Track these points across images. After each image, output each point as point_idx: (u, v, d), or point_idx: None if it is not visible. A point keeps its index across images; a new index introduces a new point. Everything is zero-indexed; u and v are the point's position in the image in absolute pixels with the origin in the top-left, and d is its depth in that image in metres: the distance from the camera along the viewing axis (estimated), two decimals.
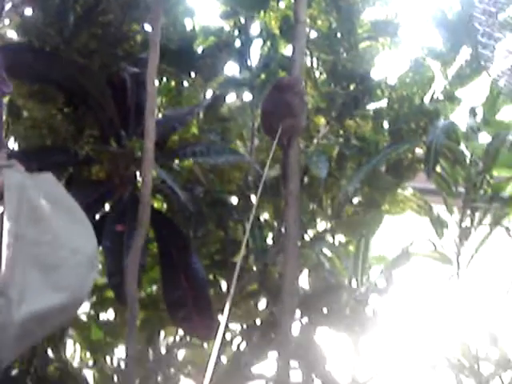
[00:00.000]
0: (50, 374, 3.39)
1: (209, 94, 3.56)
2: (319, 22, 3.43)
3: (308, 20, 3.39)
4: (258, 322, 3.45)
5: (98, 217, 2.93)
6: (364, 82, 3.35)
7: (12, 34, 3.19)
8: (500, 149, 3.13)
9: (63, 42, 2.93)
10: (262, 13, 3.50)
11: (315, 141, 3.37)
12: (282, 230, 3.05)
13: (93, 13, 2.99)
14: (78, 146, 2.96)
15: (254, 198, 3.31)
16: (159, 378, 3.43)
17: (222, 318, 1.39)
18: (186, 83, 3.54)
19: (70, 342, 3.68)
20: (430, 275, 3.65)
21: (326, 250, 3.49)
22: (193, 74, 3.46)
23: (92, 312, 3.54)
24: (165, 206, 3.37)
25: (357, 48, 3.39)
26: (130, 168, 2.94)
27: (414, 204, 3.50)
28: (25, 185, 1.40)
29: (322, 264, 3.42)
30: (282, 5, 3.57)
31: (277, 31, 3.51)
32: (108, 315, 3.61)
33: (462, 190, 3.35)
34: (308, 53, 3.44)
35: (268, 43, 3.55)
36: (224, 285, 3.41)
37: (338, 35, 3.38)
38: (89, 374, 3.66)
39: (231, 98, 3.61)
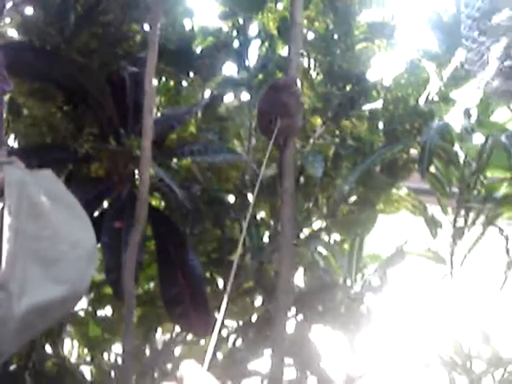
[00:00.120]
0: (48, 370, 3.41)
1: (207, 93, 3.59)
2: (316, 24, 3.46)
3: (305, 21, 3.42)
4: (254, 318, 3.48)
5: (96, 213, 2.95)
6: (360, 83, 3.38)
7: (12, 33, 3.21)
8: (493, 150, 3.16)
9: (64, 41, 2.94)
10: (260, 14, 3.53)
11: (311, 141, 3.40)
12: (278, 228, 3.07)
13: (93, 12, 3.00)
14: (77, 144, 2.98)
15: (250, 197, 3.34)
16: (156, 374, 3.45)
17: (219, 315, 1.42)
18: (184, 83, 3.56)
19: (67, 338, 3.71)
20: (423, 274, 3.68)
21: (321, 249, 3.52)
22: (191, 74, 3.48)
23: (90, 308, 3.55)
24: (163, 203, 3.38)
25: (353, 49, 3.42)
26: (129, 166, 2.95)
27: (408, 204, 3.54)
28: (25, 181, 1.43)
29: (317, 262, 3.44)
30: (279, 6, 3.60)
31: (275, 32, 3.54)
32: (106, 312, 3.63)
33: (455, 190, 3.38)
34: (305, 54, 3.48)
35: (266, 44, 3.58)
36: (221, 282, 3.43)
37: (335, 37, 3.41)
38: (86, 369, 3.68)
39: (229, 97, 3.64)
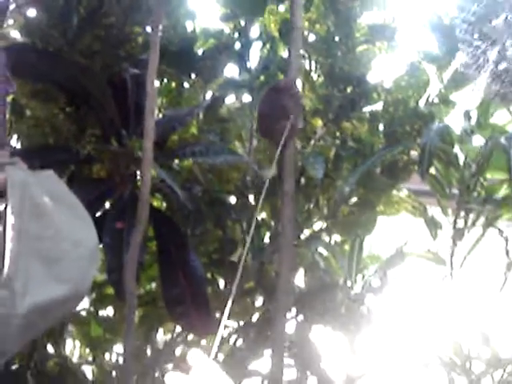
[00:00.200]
0: (50, 370, 3.43)
1: (208, 95, 3.60)
2: (317, 26, 3.47)
3: (307, 24, 3.44)
4: (255, 319, 3.49)
5: (98, 214, 2.96)
6: (361, 85, 3.39)
7: (15, 34, 3.22)
8: (493, 151, 3.17)
9: (66, 43, 2.96)
10: (261, 16, 3.54)
11: (312, 142, 3.41)
12: (279, 229, 3.08)
13: (96, 15, 3.02)
14: (79, 145, 3.00)
15: (251, 198, 3.36)
16: (157, 374, 3.46)
17: (223, 316, 1.43)
18: (186, 84, 3.57)
19: (69, 338, 3.72)
20: (423, 275, 3.69)
21: (321, 250, 3.54)
22: (193, 76, 3.49)
23: (91, 309, 3.56)
24: (164, 204, 3.40)
25: (354, 51, 3.43)
26: (131, 167, 2.96)
27: (408, 205, 3.55)
28: (27, 182, 1.44)
29: (318, 263, 3.46)
30: (281, 8, 3.61)
31: (276, 34, 3.55)
32: (107, 312, 3.64)
33: (455, 191, 3.39)
34: (306, 56, 3.49)
35: (267, 46, 3.59)
36: (221, 283, 3.45)
37: (336, 39, 3.43)
38: (88, 369, 3.70)
39: (230, 99, 3.65)
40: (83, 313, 3.55)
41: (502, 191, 3.39)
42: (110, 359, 3.72)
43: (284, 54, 3.58)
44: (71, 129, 3.08)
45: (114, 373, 3.64)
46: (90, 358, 3.76)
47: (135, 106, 3.04)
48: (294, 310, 3.37)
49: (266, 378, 3.30)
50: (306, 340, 3.43)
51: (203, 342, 3.50)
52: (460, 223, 3.38)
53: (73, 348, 3.82)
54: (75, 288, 1.44)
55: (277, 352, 2.64)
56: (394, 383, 3.60)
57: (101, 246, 2.66)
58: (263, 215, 3.50)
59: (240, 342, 3.48)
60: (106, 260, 2.73)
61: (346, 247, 3.64)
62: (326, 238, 3.57)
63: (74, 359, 3.76)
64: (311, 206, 3.42)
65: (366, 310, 3.47)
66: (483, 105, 3.27)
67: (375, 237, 3.66)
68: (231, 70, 3.60)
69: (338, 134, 3.45)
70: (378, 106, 3.45)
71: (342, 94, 3.40)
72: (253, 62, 3.56)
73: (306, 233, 3.49)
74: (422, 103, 3.43)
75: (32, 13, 3.14)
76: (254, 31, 3.60)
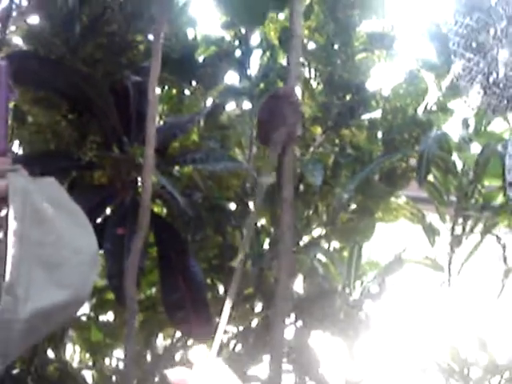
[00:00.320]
0: (50, 374, 3.44)
1: (209, 102, 3.62)
2: (317, 34, 3.50)
3: (306, 32, 3.47)
4: (254, 324, 3.51)
5: (99, 220, 2.97)
6: (359, 93, 3.41)
7: (17, 41, 3.24)
8: (490, 159, 3.19)
9: (69, 51, 2.97)
10: None
11: (311, 149, 3.43)
12: (278, 235, 3.09)
13: (98, 23, 3.03)
14: (81, 152, 3.02)
15: (251, 205, 3.37)
16: (157, 379, 3.47)
17: (221, 321, 1.45)
18: (187, 91, 3.59)
19: (69, 343, 3.73)
20: (421, 282, 3.71)
21: (320, 256, 3.55)
22: (194, 83, 3.50)
23: (92, 314, 3.57)
24: (164, 210, 3.41)
25: (353, 59, 3.45)
26: (132, 173, 2.97)
27: (407, 212, 3.57)
28: (28, 189, 1.45)
29: (317, 269, 3.47)
30: (281, 16, 3.64)
31: (276, 42, 3.58)
32: (108, 317, 3.66)
33: (453, 198, 3.41)
34: (306, 64, 3.52)
35: (267, 53, 3.61)
36: (221, 289, 3.46)
37: (335, 47, 3.45)
38: (88, 374, 3.71)
39: (231, 106, 3.68)
40: (83, 318, 3.56)
41: (500, 198, 3.40)
42: (110, 364, 3.74)
43: (284, 61, 3.60)
44: (73, 135, 3.10)
45: (113, 378, 3.66)
46: (90, 363, 3.77)
47: (137, 113, 3.05)
48: (292, 315, 3.39)
49: (265, 383, 3.31)
50: (304, 346, 3.44)
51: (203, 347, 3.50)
52: (458, 230, 3.41)
53: (73, 353, 3.83)
54: (76, 293, 1.46)
55: (275, 357, 2.64)
56: None
57: (101, 251, 2.69)
58: (263, 222, 3.52)
59: (239, 347, 3.49)
60: (107, 266, 2.74)
61: (345, 254, 3.66)
62: (325, 245, 3.59)
63: (74, 364, 3.77)
64: (310, 212, 3.44)
65: (365, 315, 3.49)
66: (480, 113, 3.29)
67: (374, 243, 3.68)
68: (231, 78, 3.64)
69: (336, 141, 3.47)
70: (376, 114, 3.48)
71: (341, 102, 3.42)
72: (253, 69, 3.58)
73: (305, 239, 3.50)
74: (420, 111, 3.45)
75: (34, 20, 3.16)
76: (255, 39, 3.63)
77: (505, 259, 3.37)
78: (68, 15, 2.98)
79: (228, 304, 1.73)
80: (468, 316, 3.72)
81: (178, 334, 3.50)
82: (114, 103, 2.97)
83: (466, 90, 2.40)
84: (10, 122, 1.55)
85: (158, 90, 2.78)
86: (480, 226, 3.42)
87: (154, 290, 3.52)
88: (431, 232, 3.51)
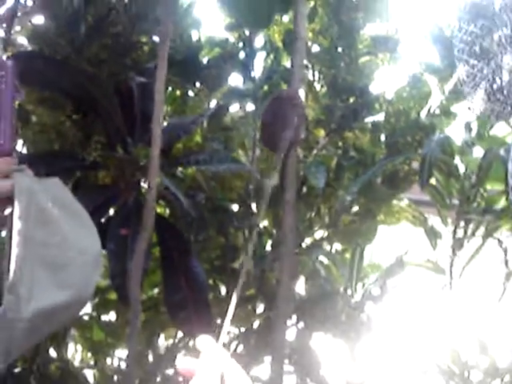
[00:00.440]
0: (52, 373, 3.45)
1: (213, 103, 3.62)
2: (321, 37, 3.50)
3: (310, 34, 3.48)
4: (256, 325, 3.51)
5: (103, 220, 2.98)
6: (363, 96, 3.42)
7: (22, 40, 3.24)
8: (493, 163, 3.20)
9: (74, 51, 2.98)
10: None
11: (314, 152, 3.44)
12: (281, 237, 3.10)
13: (103, 24, 3.04)
14: (85, 152, 3.03)
15: (254, 206, 3.38)
16: (158, 379, 3.48)
17: (224, 322, 1.46)
18: (190, 93, 3.59)
19: (71, 342, 3.74)
20: (423, 284, 3.72)
21: (322, 258, 3.56)
22: (198, 84, 3.51)
23: (94, 313, 3.58)
24: (167, 211, 3.42)
25: (357, 62, 3.46)
26: (136, 174, 2.99)
27: (409, 215, 3.58)
28: (34, 189, 1.46)
29: (319, 271, 3.48)
30: (285, 19, 3.65)
31: (280, 44, 3.58)
32: (110, 317, 3.67)
33: (455, 202, 3.42)
34: (310, 66, 3.52)
35: (271, 56, 3.62)
36: (223, 289, 3.47)
37: (339, 50, 3.46)
38: (89, 373, 3.72)
39: (234, 108, 3.68)
40: (86, 317, 3.57)
41: (502, 202, 3.41)
42: (112, 363, 3.74)
43: (287, 63, 3.60)
44: (77, 135, 3.11)
45: (115, 377, 3.67)
46: (92, 362, 3.78)
47: (141, 114, 3.05)
48: (294, 317, 3.40)
49: None
50: (306, 347, 3.45)
51: None
52: (460, 233, 3.41)
53: (75, 352, 3.84)
54: (79, 294, 1.46)
55: (277, 359, 2.65)
56: None
57: (104, 251, 2.69)
58: (265, 223, 3.52)
59: (241, 348, 3.50)
60: (110, 266, 2.74)
61: (347, 256, 3.66)
62: (327, 247, 3.60)
63: (76, 363, 3.78)
64: (312, 214, 3.45)
65: (366, 317, 3.49)
66: (483, 117, 3.29)
67: (376, 246, 3.68)
68: (235, 79, 3.64)
69: (340, 143, 3.48)
70: (379, 117, 3.48)
71: (345, 105, 3.43)
72: (257, 71, 3.59)
73: (308, 241, 3.51)
74: (423, 114, 3.46)
75: (39, 20, 3.17)
76: (259, 41, 3.63)
77: (506, 263, 3.38)
78: (73, 15, 2.99)
79: (233, 304, 1.74)
80: (469, 319, 3.73)
81: (180, 334, 3.50)
82: (118, 104, 2.97)
83: (469, 95, 2.40)
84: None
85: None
86: (482, 230, 3.43)
87: (155, 290, 3.53)
88: (433, 235, 3.52)
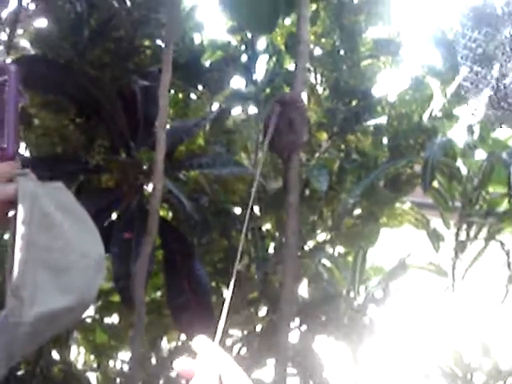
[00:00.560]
0: (55, 376, 3.45)
1: (215, 106, 3.63)
2: (323, 40, 3.51)
3: (312, 37, 3.48)
4: (259, 328, 3.52)
5: (106, 224, 2.98)
6: (365, 99, 3.42)
7: (25, 44, 3.25)
8: (495, 166, 3.20)
9: (77, 55, 2.99)
10: None
11: (317, 155, 3.44)
12: (283, 240, 3.09)
13: (106, 27, 3.05)
14: (88, 156, 3.04)
15: (256, 209, 3.38)
16: (161, 382, 3.48)
17: (219, 324, 1.46)
18: (193, 96, 3.60)
19: (74, 345, 3.75)
20: (425, 287, 3.72)
21: (325, 261, 3.56)
22: (200, 87, 3.52)
23: (97, 316, 3.59)
24: (170, 214, 3.42)
25: (359, 65, 3.47)
26: (139, 178, 3.00)
27: (411, 217, 3.58)
28: (37, 193, 1.46)
29: (321, 274, 3.49)
30: (287, 21, 3.65)
31: (282, 47, 3.59)
32: (113, 319, 3.67)
33: (458, 204, 3.42)
34: (312, 69, 3.53)
35: (273, 59, 3.62)
36: (226, 292, 3.47)
37: (341, 53, 3.46)
38: (92, 376, 3.72)
39: (237, 111, 3.68)
40: (89, 320, 3.58)
41: (504, 205, 3.42)
42: (115, 366, 3.75)
43: (290, 66, 3.61)
44: (80, 139, 3.11)
45: (118, 380, 3.67)
46: (95, 365, 3.78)
47: (144, 117, 3.06)
48: (297, 319, 3.40)
49: None
50: (309, 350, 3.45)
51: None
52: (462, 236, 3.42)
53: (78, 354, 3.85)
54: (81, 297, 1.46)
55: (280, 361, 2.65)
56: None
57: (107, 254, 2.70)
58: (268, 226, 3.53)
59: (244, 350, 3.50)
60: (113, 268, 2.75)
61: (350, 259, 3.66)
62: (330, 250, 3.60)
63: (79, 366, 3.78)
64: (315, 217, 3.45)
65: (369, 320, 3.50)
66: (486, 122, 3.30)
67: (378, 248, 3.68)
68: (238, 82, 3.65)
69: (342, 147, 3.48)
70: (382, 120, 3.49)
71: (347, 108, 3.43)
72: (259, 74, 3.59)
73: (310, 244, 3.51)
74: (425, 117, 3.46)
75: (42, 23, 3.18)
76: (261, 44, 3.64)
77: (509, 265, 3.38)
78: (76, 19, 2.99)
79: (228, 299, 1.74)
80: (472, 321, 3.73)
81: (183, 336, 3.50)
82: (121, 107, 2.98)
83: (473, 102, 2.41)
84: None
85: None
86: (484, 232, 3.43)
87: (158, 293, 3.53)
88: (435, 238, 3.52)
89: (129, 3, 3.09)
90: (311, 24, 3.38)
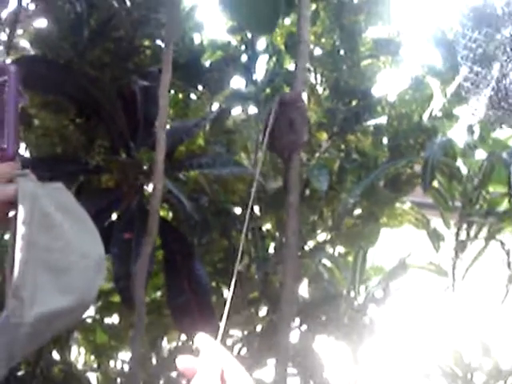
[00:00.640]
0: (55, 376, 3.45)
1: (215, 106, 3.63)
2: (323, 40, 3.51)
3: (312, 37, 3.48)
4: (259, 328, 3.52)
5: (106, 224, 2.98)
6: (365, 99, 3.42)
7: (25, 44, 3.25)
8: (495, 165, 3.20)
9: (76, 55, 2.99)
10: None
11: (317, 155, 3.44)
12: (284, 240, 3.10)
13: (106, 27, 3.05)
14: (88, 156, 3.04)
15: (256, 209, 3.38)
16: (162, 382, 3.49)
17: (221, 324, 1.46)
18: (193, 96, 3.60)
19: (75, 345, 3.75)
20: (426, 287, 3.72)
21: (325, 261, 3.56)
22: (200, 87, 3.52)
23: (97, 316, 3.59)
24: (170, 214, 3.42)
25: (359, 65, 3.47)
26: (139, 178, 3.00)
27: (411, 217, 3.58)
28: (37, 194, 1.46)
29: (322, 274, 3.49)
30: (287, 21, 3.65)
31: (282, 47, 3.59)
32: (113, 319, 3.67)
33: (458, 204, 3.42)
34: (312, 69, 3.53)
35: (273, 58, 3.62)
36: (226, 292, 3.47)
37: (341, 53, 3.46)
38: (93, 376, 3.72)
39: (237, 111, 3.68)
40: (89, 320, 3.58)
41: (504, 204, 3.42)
42: (115, 366, 3.75)
43: (290, 66, 3.61)
44: (80, 139, 3.11)
45: (118, 380, 3.67)
46: (95, 365, 3.78)
47: (144, 118, 3.06)
48: (297, 319, 3.40)
49: None
50: (309, 350, 3.45)
51: None
52: (462, 235, 3.42)
53: (78, 355, 3.85)
54: (81, 298, 1.46)
55: (281, 361, 2.65)
56: None
57: (107, 255, 2.70)
58: (268, 226, 3.53)
59: (244, 351, 3.50)
60: (113, 269, 2.76)
61: (350, 258, 3.67)
62: (330, 250, 3.60)
63: (79, 366, 3.78)
64: (315, 217, 3.45)
65: (369, 320, 3.50)
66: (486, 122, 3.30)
67: (378, 248, 3.68)
68: (238, 82, 3.64)
69: (342, 146, 3.48)
70: (382, 120, 3.49)
71: (347, 108, 3.43)
72: (259, 74, 3.59)
73: (310, 244, 3.52)
74: (425, 117, 3.46)
75: (42, 23, 3.18)
76: (261, 44, 3.63)
77: (509, 264, 3.38)
78: (76, 19, 2.99)
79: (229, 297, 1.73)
80: (472, 321, 3.73)
81: (184, 336, 3.50)
82: (121, 107, 2.98)
83: (473, 102, 2.41)
84: None
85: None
86: (484, 232, 3.43)
87: (158, 293, 3.53)
88: (436, 237, 3.52)
89: (128, 3, 3.09)
90: (311, 24, 3.37)
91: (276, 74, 3.56)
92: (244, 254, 3.34)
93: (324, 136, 3.48)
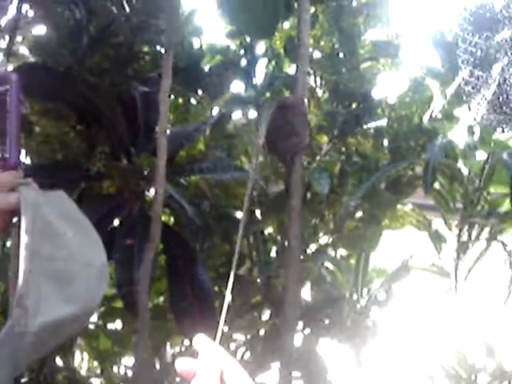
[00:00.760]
0: (59, 383, 3.45)
1: (215, 111, 3.63)
2: (322, 43, 3.51)
3: (311, 41, 3.48)
4: (262, 332, 3.52)
5: (108, 230, 2.98)
6: (365, 101, 3.42)
7: (24, 51, 3.25)
8: (496, 166, 3.20)
9: (76, 61, 2.99)
10: None
11: (318, 158, 3.44)
12: (285, 243, 3.10)
13: (105, 34, 3.05)
14: (89, 163, 3.04)
15: (258, 213, 3.38)
16: None
17: (219, 327, 1.46)
18: (193, 100, 3.60)
19: (78, 351, 3.74)
20: (428, 288, 3.72)
21: (327, 264, 3.56)
22: (200, 92, 3.52)
23: (100, 322, 3.59)
24: (172, 219, 3.42)
25: (358, 68, 3.47)
26: (140, 183, 3.00)
27: (413, 219, 3.58)
28: (39, 202, 1.46)
29: (324, 277, 3.49)
30: (286, 25, 3.65)
31: (281, 51, 3.59)
32: (116, 325, 3.67)
33: (459, 205, 3.42)
34: (311, 72, 3.53)
35: (273, 62, 3.62)
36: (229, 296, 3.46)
37: (341, 55, 3.46)
38: (96, 382, 3.72)
39: (237, 115, 3.67)
40: (92, 326, 3.57)
41: (506, 205, 3.42)
42: (119, 372, 3.74)
43: (289, 70, 3.62)
44: (81, 146, 3.11)
45: None
46: (99, 371, 3.78)
47: (144, 123, 3.06)
48: (300, 323, 3.40)
49: None
50: (312, 353, 3.45)
51: None
52: (464, 237, 3.42)
53: (81, 361, 3.84)
54: (85, 306, 1.46)
55: (285, 365, 2.65)
56: None
57: (110, 261, 2.70)
58: (270, 230, 3.53)
59: (247, 355, 3.50)
60: (116, 275, 2.76)
61: (352, 261, 3.67)
62: (332, 253, 3.60)
63: (83, 372, 3.78)
64: (317, 220, 3.45)
65: (372, 322, 3.50)
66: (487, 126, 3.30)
67: (380, 251, 3.68)
68: (237, 87, 3.64)
69: (343, 149, 3.48)
70: (382, 122, 3.49)
71: (347, 110, 3.43)
72: (258, 78, 3.59)
73: (313, 247, 3.52)
74: (425, 119, 3.46)
75: (41, 30, 3.18)
76: (260, 48, 3.63)
77: (511, 265, 3.38)
78: (75, 26, 2.99)
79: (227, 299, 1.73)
80: (475, 322, 3.73)
81: (187, 342, 3.50)
82: (121, 113, 2.98)
83: (474, 106, 2.42)
84: None
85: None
86: (486, 233, 3.43)
87: (161, 298, 3.53)
88: (438, 239, 3.52)
89: (128, 9, 3.09)
90: (310, 27, 3.38)
91: (275, 77, 3.56)
92: (246, 258, 3.34)
93: (324, 139, 3.48)
